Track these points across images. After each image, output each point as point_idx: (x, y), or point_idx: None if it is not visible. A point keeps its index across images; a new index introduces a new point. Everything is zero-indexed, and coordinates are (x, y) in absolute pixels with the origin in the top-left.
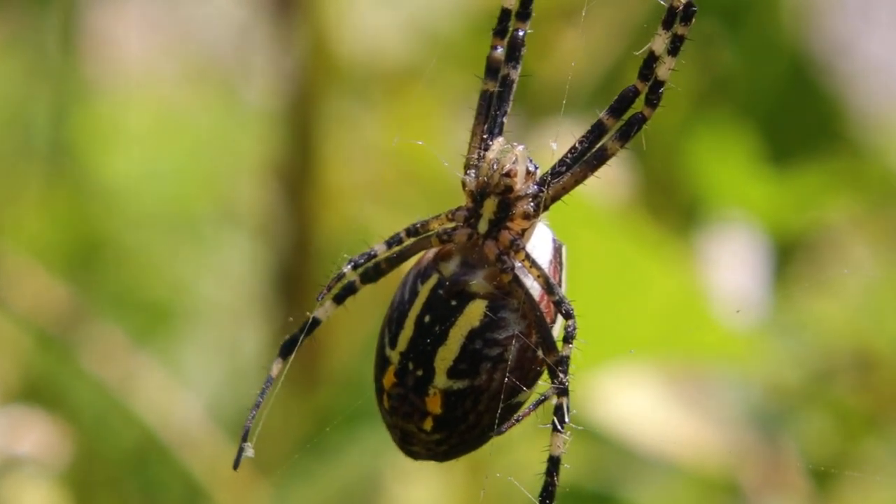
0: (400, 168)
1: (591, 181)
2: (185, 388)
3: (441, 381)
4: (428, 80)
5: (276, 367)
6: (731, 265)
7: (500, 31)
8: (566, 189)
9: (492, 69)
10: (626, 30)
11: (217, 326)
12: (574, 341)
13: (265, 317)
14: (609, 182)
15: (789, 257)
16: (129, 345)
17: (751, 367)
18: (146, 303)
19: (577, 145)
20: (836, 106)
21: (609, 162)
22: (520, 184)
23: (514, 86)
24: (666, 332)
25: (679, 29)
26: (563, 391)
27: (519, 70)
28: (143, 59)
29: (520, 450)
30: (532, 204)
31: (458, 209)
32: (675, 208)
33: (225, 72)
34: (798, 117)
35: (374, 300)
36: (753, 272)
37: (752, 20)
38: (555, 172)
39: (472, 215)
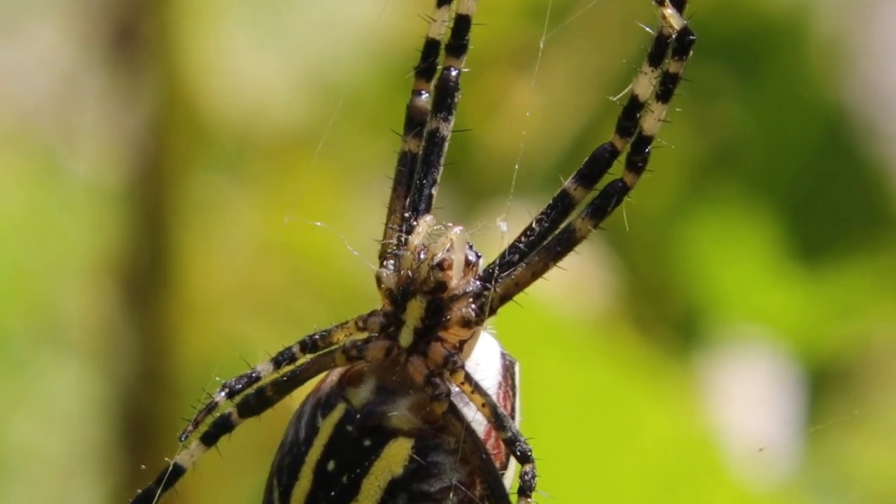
0: (290, 267)
1: (556, 278)
2: None
3: None
4: (328, 147)
5: None
6: (747, 398)
7: (425, 70)
8: (520, 285)
9: (415, 122)
10: (600, 78)
11: (36, 481)
12: (534, 493)
13: (103, 467)
14: (580, 283)
15: (824, 386)
16: None
17: None
18: None
19: (534, 225)
20: (884, 180)
21: (577, 248)
22: (456, 279)
23: (446, 145)
24: (661, 489)
25: (672, 65)
26: None
27: (451, 123)
28: None
29: None
30: (473, 306)
31: (372, 314)
32: (667, 321)
33: (43, 135)
34: (834, 196)
35: (256, 439)
36: (777, 407)
37: (771, 65)
38: (504, 263)
39: (392, 322)
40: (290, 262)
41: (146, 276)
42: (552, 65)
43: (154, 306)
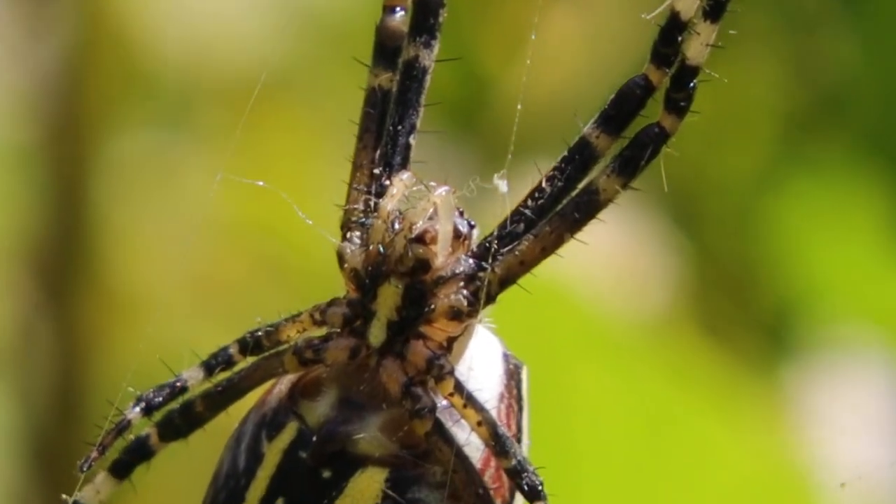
0: (253, 250)
1: (603, 266)
2: None
3: None
4: (302, 93)
5: None
6: (852, 422)
7: None
8: (526, 264)
9: (387, 49)
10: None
11: None
12: None
13: None
14: (636, 273)
15: None
16: None
17: None
18: None
19: (544, 185)
20: None
21: (601, 214)
22: (442, 256)
23: (427, 78)
24: None
25: None
26: None
27: (435, 49)
28: None
29: None
30: (465, 292)
31: (333, 304)
32: (749, 322)
33: None
34: None
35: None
36: (890, 433)
37: None
38: (505, 234)
39: (358, 314)
40: (253, 243)
41: (63, 262)
42: None
43: (73, 302)
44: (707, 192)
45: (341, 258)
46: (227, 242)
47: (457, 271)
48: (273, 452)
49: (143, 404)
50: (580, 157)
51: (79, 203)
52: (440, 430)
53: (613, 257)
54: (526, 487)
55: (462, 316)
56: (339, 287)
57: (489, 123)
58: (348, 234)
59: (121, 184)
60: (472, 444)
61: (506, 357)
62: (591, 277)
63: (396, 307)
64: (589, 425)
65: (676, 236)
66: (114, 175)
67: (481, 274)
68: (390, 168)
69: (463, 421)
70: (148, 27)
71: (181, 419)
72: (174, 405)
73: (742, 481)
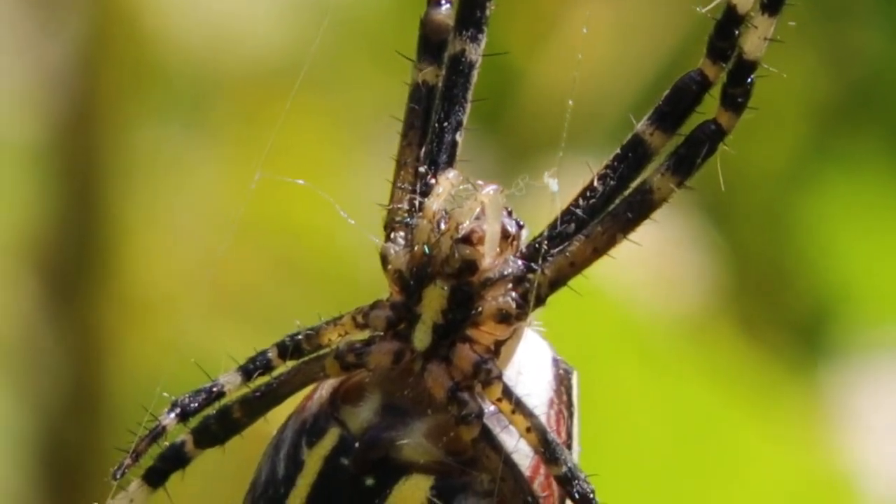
0: (270, 249)
1: (637, 265)
2: None
3: None
4: (318, 83)
5: None
6: (894, 425)
7: None
8: (577, 266)
9: (432, 44)
10: None
11: None
12: None
13: None
14: (669, 272)
15: None
16: None
17: None
18: None
19: (596, 184)
20: None
21: (655, 214)
22: (489, 257)
23: (474, 73)
24: None
25: None
26: None
27: (482, 44)
28: None
29: None
30: (514, 295)
31: (376, 306)
32: (785, 322)
33: None
34: None
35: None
36: None
37: None
38: (555, 235)
39: (403, 317)
40: (270, 242)
41: (76, 261)
42: None
43: (86, 302)
44: (741, 189)
45: (385, 259)
46: (244, 242)
47: (505, 273)
48: (314, 459)
49: (178, 410)
50: (633, 155)
51: (92, 200)
52: (487, 436)
53: (647, 257)
54: (577, 495)
55: (510, 319)
56: (358, 286)
57: (514, 117)
58: (392, 235)
59: (135, 180)
60: (520, 450)
61: (556, 362)
62: (625, 277)
63: (442, 310)
64: (625, 425)
65: (711, 234)
66: (128, 171)
67: (530, 276)
68: (436, 166)
69: (511, 427)
70: (162, 19)
71: (218, 425)
72: (210, 411)
73: (780, 483)
